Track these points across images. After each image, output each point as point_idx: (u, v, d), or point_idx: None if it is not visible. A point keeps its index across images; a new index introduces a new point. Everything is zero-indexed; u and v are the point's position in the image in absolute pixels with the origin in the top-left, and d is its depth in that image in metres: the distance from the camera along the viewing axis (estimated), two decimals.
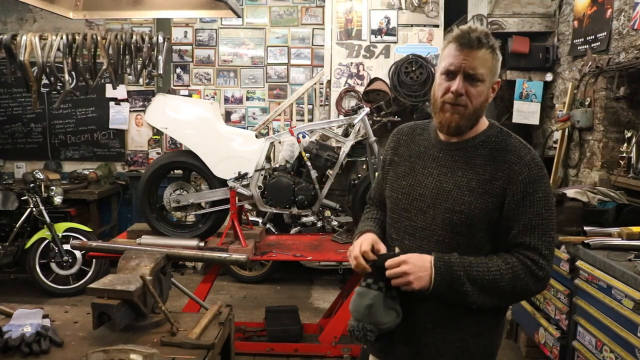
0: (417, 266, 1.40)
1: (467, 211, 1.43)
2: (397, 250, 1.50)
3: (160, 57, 3.81)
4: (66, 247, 4.71)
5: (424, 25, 5.38)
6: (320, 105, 5.76)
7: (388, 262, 1.43)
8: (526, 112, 5.27)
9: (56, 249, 4.73)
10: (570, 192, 3.26)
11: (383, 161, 1.71)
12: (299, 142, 3.59)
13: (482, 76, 1.40)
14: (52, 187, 4.89)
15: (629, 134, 3.88)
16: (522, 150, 1.45)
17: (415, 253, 1.46)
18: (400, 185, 1.58)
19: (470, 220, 1.43)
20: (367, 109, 3.72)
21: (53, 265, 4.80)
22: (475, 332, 1.49)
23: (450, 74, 1.42)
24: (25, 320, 1.74)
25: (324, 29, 5.91)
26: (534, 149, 1.48)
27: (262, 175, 3.58)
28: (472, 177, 1.44)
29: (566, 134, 4.64)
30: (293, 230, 5.09)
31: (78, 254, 4.77)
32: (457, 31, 1.42)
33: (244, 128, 6.12)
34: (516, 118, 5.28)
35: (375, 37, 5.41)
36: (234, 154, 3.57)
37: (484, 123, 1.51)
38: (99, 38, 3.79)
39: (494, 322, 1.54)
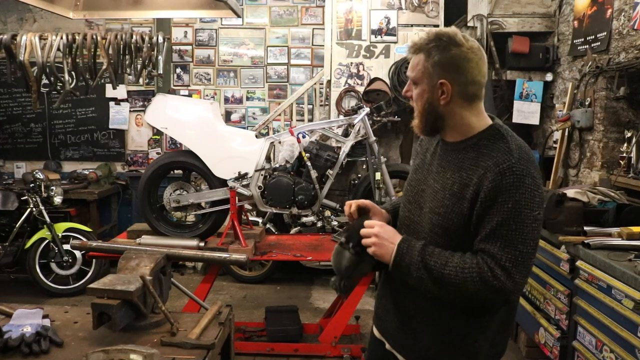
0: (387, 237, 1.49)
1: (444, 214, 1.46)
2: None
3: (160, 57, 3.81)
4: (66, 247, 4.70)
5: (424, 25, 5.38)
6: (320, 105, 5.76)
7: (367, 222, 1.54)
8: (526, 112, 5.27)
9: (56, 249, 4.72)
10: (570, 192, 3.26)
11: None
12: (299, 142, 3.59)
13: (414, 79, 1.50)
14: (52, 187, 4.88)
15: (629, 134, 3.88)
16: (502, 155, 1.39)
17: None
18: (412, 177, 1.66)
19: (447, 224, 1.45)
20: (367, 109, 3.72)
21: (53, 265, 4.79)
22: (452, 327, 1.51)
23: None
24: (25, 320, 1.74)
25: (324, 29, 5.91)
26: (527, 153, 1.42)
27: (262, 175, 3.58)
28: (456, 180, 1.46)
29: (566, 134, 4.64)
30: (293, 230, 5.09)
31: (78, 254, 4.77)
32: None
33: (244, 128, 6.12)
34: (516, 118, 5.28)
35: (375, 37, 5.41)
36: (234, 154, 3.57)
37: (483, 124, 1.49)
38: (99, 38, 3.79)
39: (475, 324, 1.50)
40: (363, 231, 1.52)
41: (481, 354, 1.52)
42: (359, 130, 3.71)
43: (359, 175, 5.12)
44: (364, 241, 1.51)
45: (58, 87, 4.15)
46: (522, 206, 1.35)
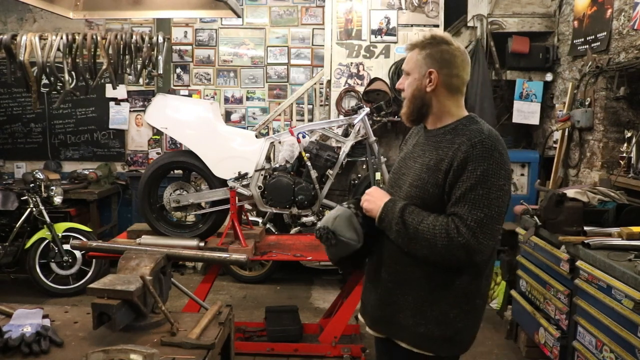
0: (377, 196, 1.73)
1: (422, 186, 1.65)
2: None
3: (160, 57, 3.81)
4: (66, 247, 4.70)
5: (424, 25, 5.38)
6: (320, 105, 5.76)
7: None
8: (526, 112, 5.27)
9: (56, 249, 4.72)
10: (570, 192, 3.26)
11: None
12: (299, 142, 3.59)
13: (407, 70, 1.73)
14: (52, 187, 4.88)
15: (629, 134, 3.88)
16: (474, 133, 1.61)
17: None
18: (395, 167, 1.88)
19: (424, 194, 1.65)
20: (367, 109, 3.72)
21: (53, 265, 4.79)
22: (430, 298, 1.66)
23: None
24: (25, 320, 1.74)
25: (324, 29, 5.91)
26: (497, 134, 1.64)
27: (262, 175, 3.58)
28: (433, 157, 1.66)
29: (566, 134, 4.64)
30: (293, 230, 5.09)
31: (78, 254, 4.76)
32: None
33: (244, 128, 6.12)
34: (516, 118, 5.28)
35: (375, 37, 5.41)
36: (234, 154, 3.57)
37: (459, 114, 1.71)
38: (99, 38, 3.79)
39: (449, 296, 1.65)
40: (363, 197, 1.77)
41: (453, 326, 1.66)
42: (359, 130, 3.71)
43: (359, 175, 5.12)
44: (362, 199, 1.76)
45: (58, 87, 4.15)
46: (490, 175, 1.54)
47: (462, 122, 1.68)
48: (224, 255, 2.19)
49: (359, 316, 1.93)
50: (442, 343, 1.66)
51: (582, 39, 4.51)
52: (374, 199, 1.72)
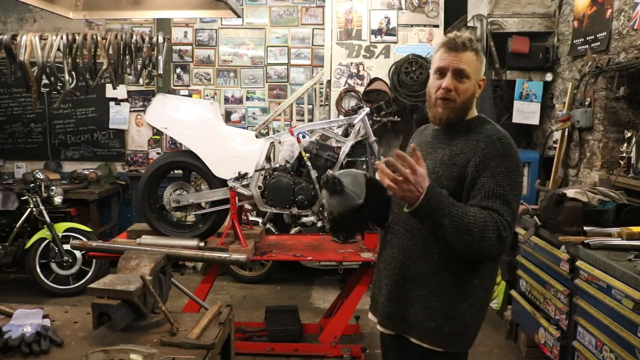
0: (417, 182, 1.49)
1: (435, 179, 1.64)
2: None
3: (160, 57, 3.81)
4: (66, 247, 4.70)
5: (424, 25, 5.38)
6: (320, 105, 5.76)
7: (401, 156, 1.50)
8: (526, 112, 5.27)
9: (56, 249, 4.72)
10: (570, 192, 3.26)
11: None
12: (299, 142, 3.59)
13: (468, 73, 1.66)
14: (52, 187, 4.88)
15: (629, 134, 3.88)
16: (491, 131, 1.67)
17: (406, 218, 1.67)
18: None
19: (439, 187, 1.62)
20: (367, 109, 3.72)
21: (53, 265, 4.79)
22: (440, 292, 1.67)
23: (441, 73, 1.69)
24: (25, 320, 1.74)
25: (324, 29, 5.91)
26: (507, 138, 1.65)
27: (262, 175, 3.58)
28: (446, 153, 1.70)
29: (566, 134, 4.65)
30: (293, 230, 5.09)
31: (78, 254, 4.76)
32: (445, 38, 1.71)
33: (244, 128, 6.12)
34: (516, 118, 5.28)
35: (375, 37, 5.41)
36: (234, 154, 3.57)
37: (472, 114, 1.74)
38: (99, 38, 3.79)
39: (459, 292, 1.66)
40: (396, 165, 1.49)
41: (462, 320, 1.67)
42: (359, 130, 3.71)
43: None
44: (390, 182, 1.49)
45: (58, 87, 4.14)
46: (511, 172, 1.60)
47: (474, 121, 1.73)
48: (224, 255, 2.19)
49: (369, 315, 1.93)
50: (451, 337, 1.67)
51: (582, 39, 4.51)
52: (414, 184, 1.48)
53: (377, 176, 1.62)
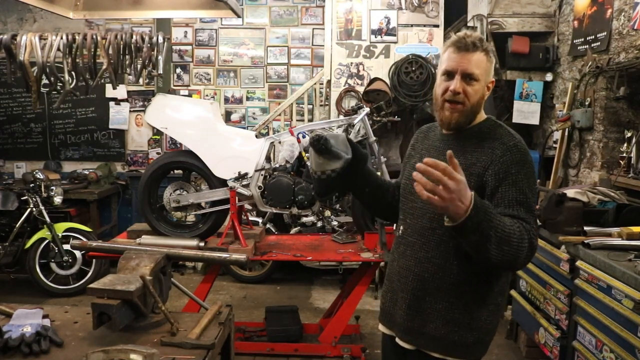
0: (461, 194, 1.35)
1: None
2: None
3: (160, 57, 3.80)
4: (66, 247, 4.70)
5: (424, 25, 5.38)
6: (320, 105, 5.76)
7: (434, 164, 1.34)
8: (526, 112, 5.27)
9: (56, 249, 4.72)
10: (570, 192, 3.26)
11: (405, 157, 1.94)
12: (299, 142, 3.59)
13: (477, 76, 1.58)
14: (52, 187, 4.88)
15: (629, 134, 3.88)
16: (506, 137, 1.61)
17: (422, 229, 1.66)
18: (410, 173, 1.67)
19: None
20: (367, 109, 3.71)
21: (53, 265, 4.79)
22: (461, 304, 1.63)
23: (449, 75, 1.61)
24: (25, 320, 1.74)
25: (324, 29, 5.91)
26: (522, 144, 1.62)
27: (262, 175, 3.57)
28: (461, 161, 1.53)
29: (566, 134, 4.64)
30: (293, 230, 5.09)
31: (78, 254, 4.77)
32: (455, 37, 1.62)
33: (244, 128, 6.12)
34: (516, 118, 5.28)
35: (375, 37, 5.41)
36: (234, 154, 3.57)
37: (481, 117, 1.68)
38: (99, 38, 3.79)
39: (480, 300, 1.64)
40: (435, 174, 1.34)
41: (483, 328, 1.65)
42: (359, 130, 3.71)
43: None
44: (428, 193, 1.35)
45: (58, 87, 4.14)
46: (530, 178, 1.57)
47: (484, 125, 1.66)
48: (224, 255, 2.19)
49: (380, 326, 1.88)
50: (474, 346, 1.65)
51: (582, 39, 4.51)
52: (458, 195, 1.34)
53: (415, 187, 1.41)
